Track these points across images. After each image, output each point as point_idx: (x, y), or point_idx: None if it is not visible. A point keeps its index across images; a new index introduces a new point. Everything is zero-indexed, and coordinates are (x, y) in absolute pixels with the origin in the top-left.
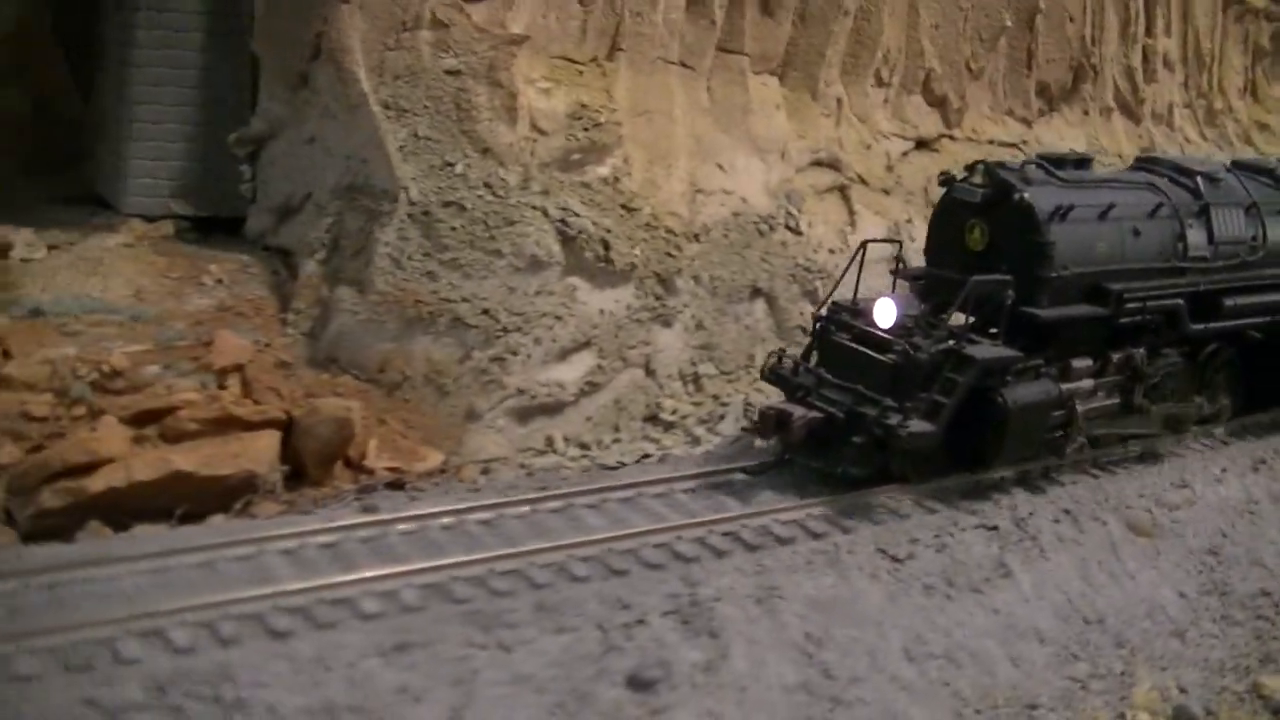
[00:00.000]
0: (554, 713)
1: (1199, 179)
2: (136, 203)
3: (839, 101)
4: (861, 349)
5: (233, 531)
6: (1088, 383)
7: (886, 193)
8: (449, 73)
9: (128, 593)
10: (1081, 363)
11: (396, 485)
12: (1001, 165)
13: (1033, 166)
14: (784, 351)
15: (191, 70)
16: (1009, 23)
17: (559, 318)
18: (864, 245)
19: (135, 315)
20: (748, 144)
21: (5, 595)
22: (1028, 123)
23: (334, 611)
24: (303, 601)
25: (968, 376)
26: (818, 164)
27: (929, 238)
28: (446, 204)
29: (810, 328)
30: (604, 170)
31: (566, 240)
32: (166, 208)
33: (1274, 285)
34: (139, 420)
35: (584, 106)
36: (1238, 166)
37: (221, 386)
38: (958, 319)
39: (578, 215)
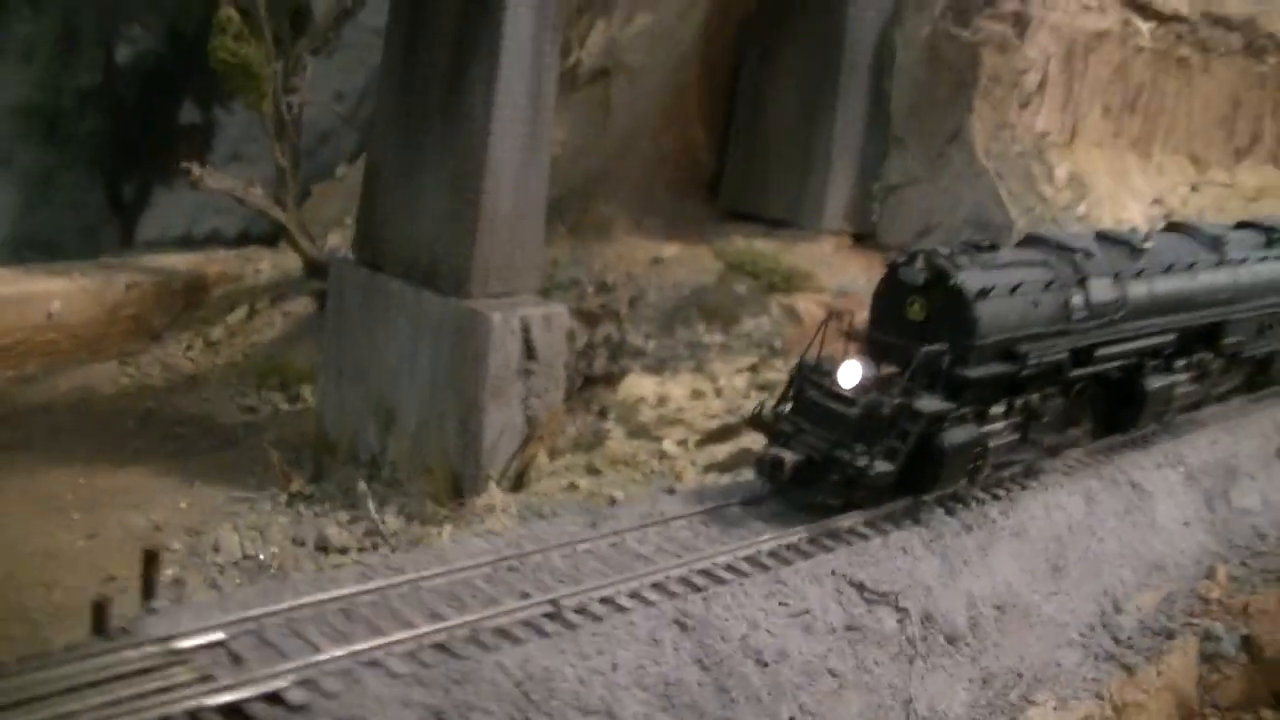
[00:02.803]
0: None
1: (1077, 255)
2: (827, 222)
3: None
4: (831, 404)
5: None
6: (999, 425)
7: None
8: (1019, 154)
9: None
10: (996, 409)
11: None
12: (936, 253)
13: (960, 255)
14: (764, 403)
15: (855, 141)
16: None
17: None
18: (830, 316)
19: None
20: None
21: None
22: None
23: None
24: None
25: (918, 426)
26: None
27: (873, 309)
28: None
29: (788, 383)
30: (1082, 210)
31: None
32: (840, 227)
33: (1131, 337)
34: None
35: (1072, 175)
36: (1101, 238)
37: None
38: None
39: None
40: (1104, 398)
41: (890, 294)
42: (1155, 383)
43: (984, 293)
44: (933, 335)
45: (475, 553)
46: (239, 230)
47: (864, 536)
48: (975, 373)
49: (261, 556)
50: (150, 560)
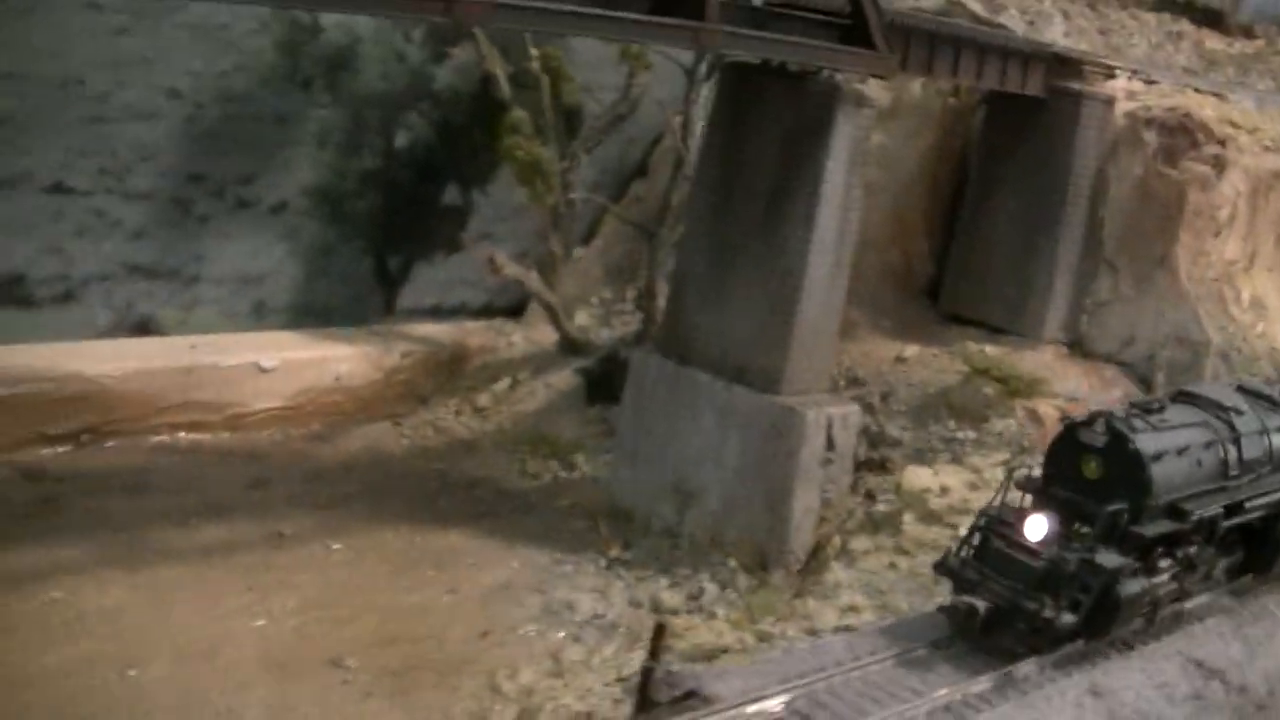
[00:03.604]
0: None
1: (1231, 414)
2: (1047, 332)
3: None
4: (1016, 554)
5: None
6: (1165, 577)
7: None
8: (1213, 279)
9: None
10: (1164, 562)
11: None
12: (1113, 415)
13: (1135, 419)
14: (949, 550)
15: (1072, 260)
16: None
17: None
18: (1010, 473)
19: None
20: None
21: None
22: None
23: None
24: None
25: (1099, 580)
26: None
27: (1048, 463)
28: (1234, 348)
29: (970, 531)
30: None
31: None
32: (1056, 337)
33: (1274, 489)
34: None
35: (1253, 298)
36: (1243, 391)
37: None
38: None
39: None
40: (1243, 543)
41: (1067, 451)
42: None
43: (1158, 456)
44: (1108, 493)
45: (922, 629)
46: (483, 303)
47: (1189, 623)
48: (1149, 530)
49: (608, 616)
50: (660, 632)
